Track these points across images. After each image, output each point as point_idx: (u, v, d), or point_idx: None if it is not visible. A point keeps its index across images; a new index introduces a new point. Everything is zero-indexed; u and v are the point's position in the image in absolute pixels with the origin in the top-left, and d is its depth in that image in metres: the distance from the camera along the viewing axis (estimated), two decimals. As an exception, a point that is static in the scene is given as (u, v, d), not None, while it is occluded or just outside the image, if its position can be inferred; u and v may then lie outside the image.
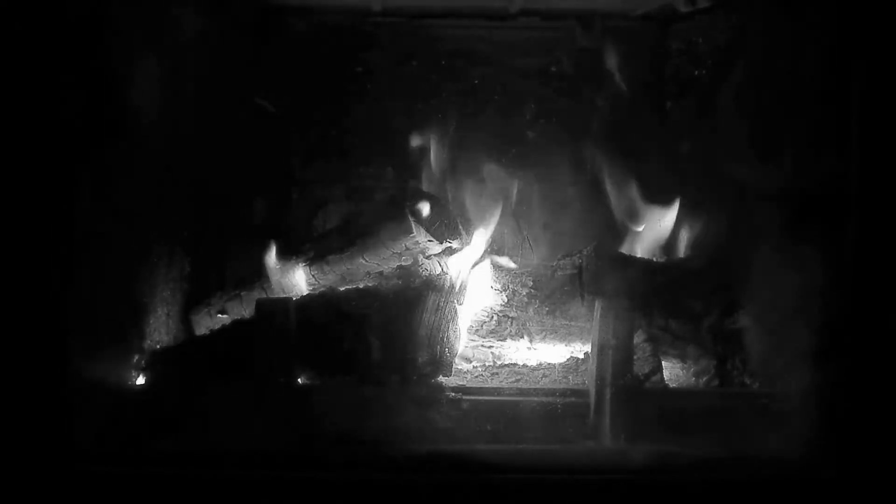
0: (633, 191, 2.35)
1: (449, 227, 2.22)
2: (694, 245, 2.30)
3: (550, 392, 1.89)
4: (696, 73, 2.37)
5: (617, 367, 1.80)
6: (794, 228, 1.86)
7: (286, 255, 2.21)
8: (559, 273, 2.20)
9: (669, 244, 2.33)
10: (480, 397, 1.87)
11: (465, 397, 1.85)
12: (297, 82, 2.50)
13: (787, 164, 1.91)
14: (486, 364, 2.13)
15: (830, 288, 1.71)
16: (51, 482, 1.62)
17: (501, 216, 2.42)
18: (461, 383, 1.96)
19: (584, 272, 2.17)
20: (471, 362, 2.14)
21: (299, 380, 1.93)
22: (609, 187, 2.38)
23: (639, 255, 2.30)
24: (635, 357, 1.87)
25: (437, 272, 2.19)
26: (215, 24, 2.31)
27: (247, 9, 2.40)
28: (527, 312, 2.19)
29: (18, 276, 1.61)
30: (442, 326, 1.97)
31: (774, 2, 1.98)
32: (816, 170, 1.78)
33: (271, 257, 2.19)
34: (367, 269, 2.21)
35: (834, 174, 1.70)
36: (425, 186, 2.38)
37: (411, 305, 1.97)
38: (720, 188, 2.21)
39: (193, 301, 2.31)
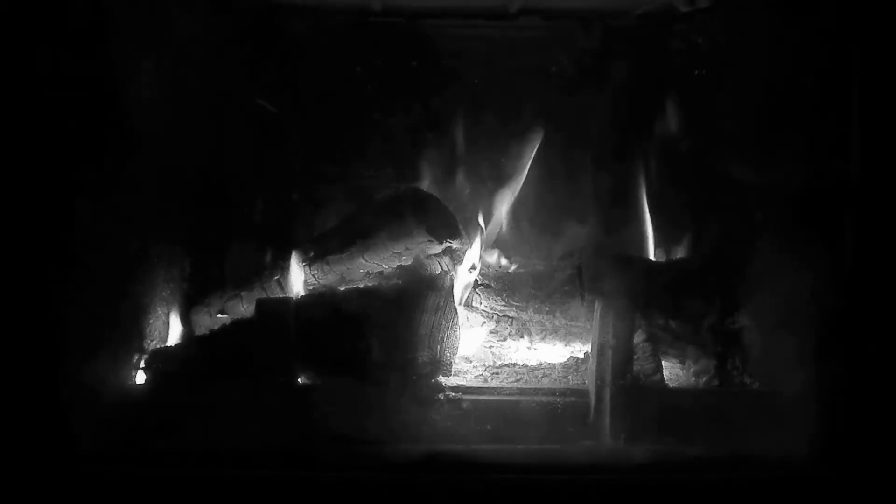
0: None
1: (449, 227, 2.22)
2: (694, 245, 2.30)
3: (550, 392, 1.89)
4: (697, 73, 2.37)
5: (617, 367, 1.80)
6: (794, 228, 1.86)
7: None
8: (559, 273, 2.20)
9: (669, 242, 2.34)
10: (480, 397, 1.87)
11: (465, 397, 1.86)
12: (296, 82, 2.50)
13: (788, 163, 1.91)
14: (486, 364, 2.13)
15: (830, 287, 1.71)
16: (52, 482, 1.62)
17: (501, 216, 2.42)
18: (461, 383, 1.96)
19: (584, 272, 2.17)
20: (471, 362, 2.14)
21: (299, 380, 1.93)
22: (608, 187, 2.39)
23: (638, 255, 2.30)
24: (635, 357, 1.87)
25: (437, 272, 2.19)
26: (215, 24, 2.31)
27: (246, 9, 2.40)
28: (527, 312, 2.19)
29: (18, 277, 1.61)
30: (442, 326, 1.97)
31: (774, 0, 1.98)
32: (817, 169, 1.78)
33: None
34: (367, 269, 2.21)
35: (835, 173, 1.70)
36: (425, 186, 2.38)
37: (411, 305, 1.97)
38: (720, 188, 2.21)
39: (193, 301, 2.31)
